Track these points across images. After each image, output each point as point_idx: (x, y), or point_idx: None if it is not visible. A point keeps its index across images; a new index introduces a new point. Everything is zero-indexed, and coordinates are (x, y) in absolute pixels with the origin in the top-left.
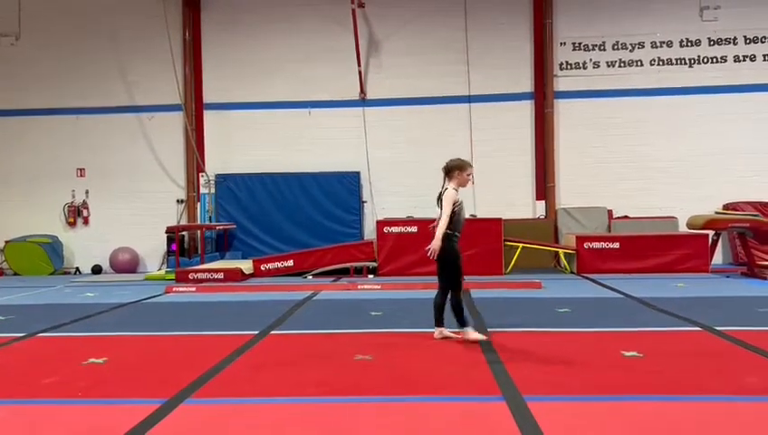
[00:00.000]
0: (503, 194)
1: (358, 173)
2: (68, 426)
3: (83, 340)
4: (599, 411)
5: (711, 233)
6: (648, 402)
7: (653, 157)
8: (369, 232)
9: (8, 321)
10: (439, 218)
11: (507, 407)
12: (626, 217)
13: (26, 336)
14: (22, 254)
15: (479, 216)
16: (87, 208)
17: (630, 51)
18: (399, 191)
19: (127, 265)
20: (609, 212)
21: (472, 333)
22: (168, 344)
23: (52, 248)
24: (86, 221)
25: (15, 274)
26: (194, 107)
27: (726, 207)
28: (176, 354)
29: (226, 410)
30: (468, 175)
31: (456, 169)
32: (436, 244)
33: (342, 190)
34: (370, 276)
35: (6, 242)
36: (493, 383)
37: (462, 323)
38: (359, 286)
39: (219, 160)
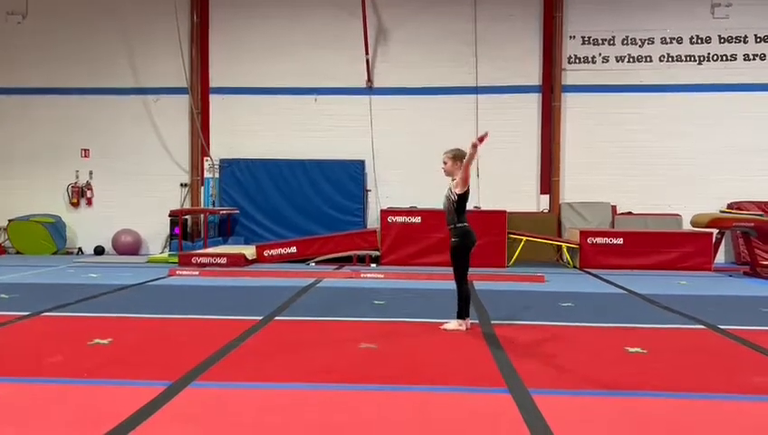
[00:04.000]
0: (507, 186)
1: (362, 162)
2: (74, 405)
3: (88, 320)
4: (604, 406)
5: (715, 232)
6: (653, 399)
7: (659, 153)
8: (373, 221)
9: (12, 299)
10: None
11: (513, 399)
12: (629, 213)
13: (31, 315)
14: (25, 233)
15: (483, 207)
16: (91, 189)
17: (640, 46)
18: (404, 181)
19: (129, 247)
20: (613, 208)
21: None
22: (173, 327)
23: (56, 228)
24: (89, 202)
25: (18, 252)
26: (200, 90)
27: (731, 206)
28: (180, 337)
29: (232, 395)
30: (443, 164)
31: None
32: None
33: (346, 178)
34: (373, 265)
35: (10, 221)
36: (498, 375)
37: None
38: (362, 275)
39: (224, 145)
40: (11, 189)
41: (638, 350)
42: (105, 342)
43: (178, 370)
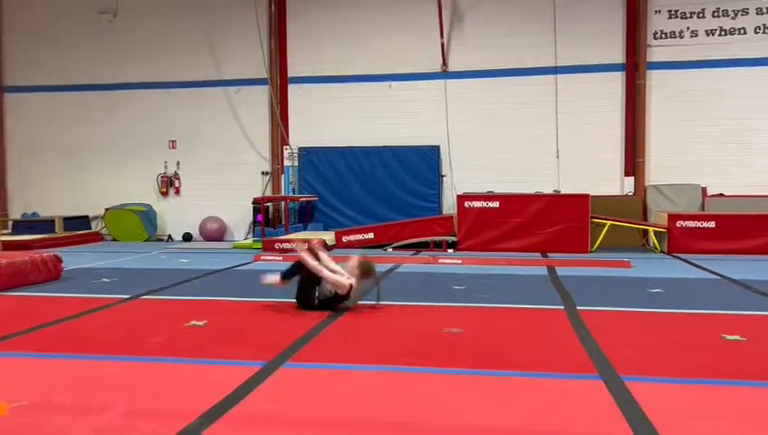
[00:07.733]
0: (589, 169)
1: (437, 147)
2: (180, 383)
3: (183, 303)
4: (702, 395)
5: None
6: (755, 388)
7: (752, 131)
8: (448, 206)
9: (113, 283)
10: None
11: (605, 386)
12: (721, 194)
13: (131, 298)
14: (120, 221)
15: (564, 191)
16: (178, 179)
17: (732, 18)
18: (479, 165)
19: (215, 233)
20: (703, 190)
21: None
22: (261, 310)
23: (147, 216)
24: (177, 191)
25: (114, 239)
26: (279, 80)
27: None
28: (269, 320)
29: (323, 375)
30: None
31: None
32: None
33: (422, 164)
34: (450, 251)
35: (107, 209)
36: (588, 362)
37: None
38: (439, 260)
39: (302, 134)
40: (105, 179)
41: (737, 337)
42: (201, 323)
43: (271, 350)
